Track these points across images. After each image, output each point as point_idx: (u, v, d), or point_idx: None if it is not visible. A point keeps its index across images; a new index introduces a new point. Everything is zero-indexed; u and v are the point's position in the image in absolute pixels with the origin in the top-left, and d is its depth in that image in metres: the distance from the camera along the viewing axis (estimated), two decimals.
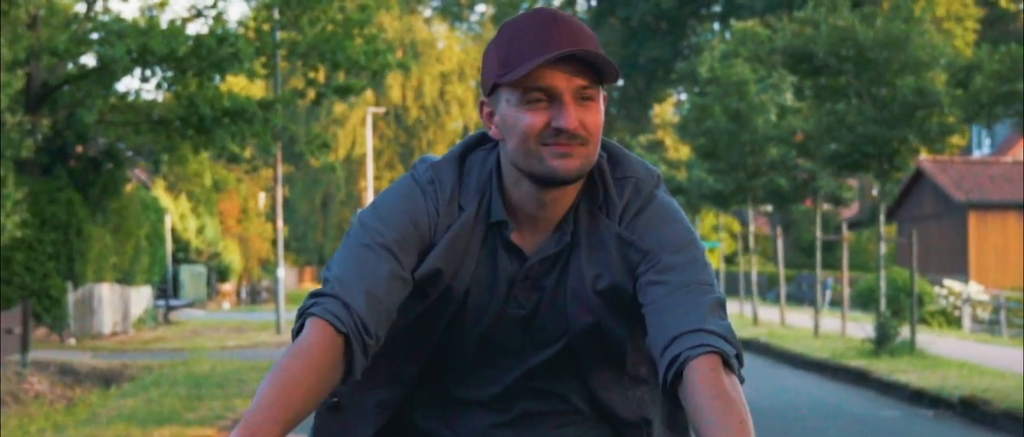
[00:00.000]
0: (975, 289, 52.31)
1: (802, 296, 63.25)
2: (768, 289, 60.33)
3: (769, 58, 35.37)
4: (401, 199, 4.06)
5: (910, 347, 30.52)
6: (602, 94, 3.98)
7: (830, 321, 41.63)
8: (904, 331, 31.35)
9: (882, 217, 32.66)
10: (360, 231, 4.00)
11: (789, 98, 36.74)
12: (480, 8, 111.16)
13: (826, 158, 31.73)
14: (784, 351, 34.78)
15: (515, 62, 3.87)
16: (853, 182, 38.93)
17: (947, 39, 31.27)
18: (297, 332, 3.85)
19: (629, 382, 4.23)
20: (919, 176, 60.16)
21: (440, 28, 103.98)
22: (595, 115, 3.90)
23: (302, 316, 3.86)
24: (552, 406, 4.21)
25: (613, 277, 4.02)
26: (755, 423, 3.49)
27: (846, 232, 40.58)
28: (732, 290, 64.56)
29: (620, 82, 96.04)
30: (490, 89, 3.99)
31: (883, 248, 32.47)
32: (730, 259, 74.90)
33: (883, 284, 33.05)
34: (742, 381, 3.79)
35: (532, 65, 3.80)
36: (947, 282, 51.62)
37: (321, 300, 3.82)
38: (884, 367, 27.81)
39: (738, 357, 3.80)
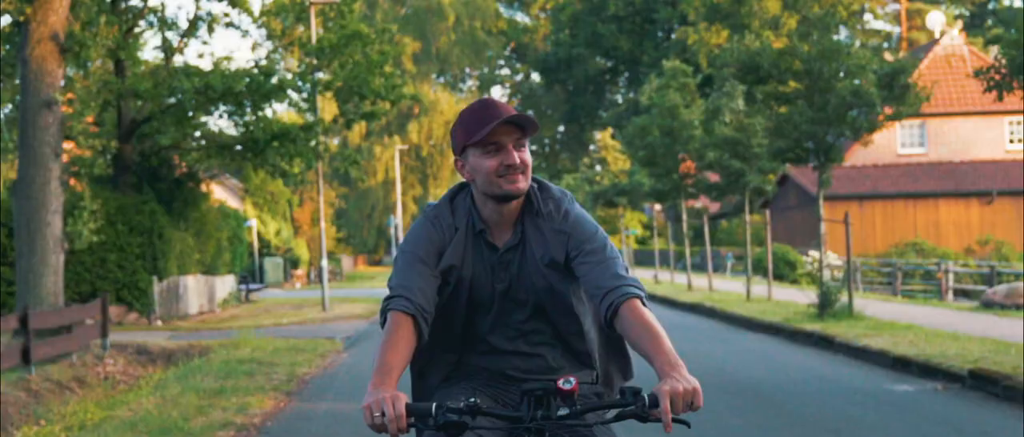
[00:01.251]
0: (831, 257, 48.18)
1: (701, 266, 58.43)
2: (677, 261, 56.43)
3: (720, 71, 30.99)
4: (421, 230, 4.52)
5: (849, 310, 24.53)
6: (527, 142, 4.43)
7: (736, 285, 36.64)
8: (842, 296, 25.41)
9: (821, 202, 27.35)
10: (403, 255, 4.49)
11: (741, 103, 31.70)
12: (469, 82, 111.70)
13: (770, 154, 26.76)
14: (730, 314, 28.51)
15: (475, 130, 4.34)
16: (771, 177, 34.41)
17: (869, 51, 26.07)
18: (383, 322, 4.34)
19: (578, 327, 4.55)
20: (785, 178, 56.89)
21: (443, 93, 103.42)
22: (526, 155, 4.40)
23: (384, 312, 4.36)
24: (539, 341, 4.57)
25: (552, 255, 4.44)
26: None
27: (768, 215, 36.49)
28: (648, 262, 66.97)
29: (561, 127, 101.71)
30: (461, 151, 4.45)
31: (823, 227, 26.93)
32: (642, 241, 76.61)
33: (822, 256, 27.24)
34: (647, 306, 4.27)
35: (487, 130, 4.29)
36: (811, 252, 47.04)
37: (393, 300, 4.35)
38: (838, 330, 21.56)
39: (645, 297, 4.30)
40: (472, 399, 3.87)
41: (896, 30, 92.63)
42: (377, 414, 3.83)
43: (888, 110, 24.97)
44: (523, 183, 4.37)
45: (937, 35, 64.83)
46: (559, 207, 4.50)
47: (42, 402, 16.94)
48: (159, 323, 31.42)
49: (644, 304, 4.25)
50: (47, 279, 23.28)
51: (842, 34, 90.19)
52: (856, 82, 24.89)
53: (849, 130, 24.79)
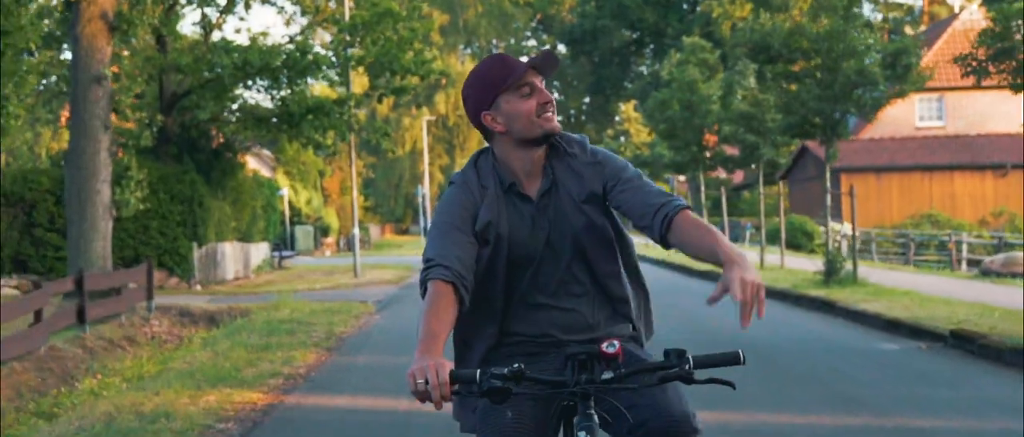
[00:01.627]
0: (847, 228, 49.52)
1: (732, 237, 59.63)
2: None
3: (733, 50, 32.22)
4: (451, 197, 4.55)
5: (853, 278, 25.87)
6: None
7: (752, 254, 37.64)
8: (846, 264, 26.81)
9: (827, 176, 28.50)
10: (436, 224, 4.50)
11: (752, 82, 32.98)
12: (496, 52, 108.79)
13: (782, 128, 28.03)
14: None
15: (507, 76, 4.43)
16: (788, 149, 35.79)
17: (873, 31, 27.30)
18: (423, 292, 4.31)
19: (615, 267, 4.59)
20: (804, 151, 58.18)
21: (470, 64, 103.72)
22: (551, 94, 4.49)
23: (423, 283, 4.34)
24: (578, 293, 4.55)
25: (590, 189, 4.52)
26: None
27: (781, 188, 37.74)
28: None
29: (586, 98, 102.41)
30: (490, 103, 4.48)
31: (829, 200, 28.19)
32: None
33: (827, 227, 28.55)
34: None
35: (524, 69, 4.44)
36: (832, 223, 48.36)
37: (431, 270, 4.33)
38: (841, 296, 22.88)
39: (689, 205, 4.39)
40: (516, 365, 3.90)
41: (919, 3, 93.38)
42: (421, 381, 3.84)
43: (892, 89, 26.20)
44: (556, 120, 4.49)
45: (956, 10, 65.73)
46: (584, 147, 4.61)
47: (97, 358, 18.30)
48: (198, 287, 32.86)
49: (691, 210, 4.38)
50: (96, 244, 24.72)
51: (865, 8, 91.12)
52: (867, 61, 26.07)
53: (854, 108, 26.03)
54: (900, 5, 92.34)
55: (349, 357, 16.72)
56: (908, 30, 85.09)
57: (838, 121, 26.04)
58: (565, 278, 4.53)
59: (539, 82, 4.43)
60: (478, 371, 3.90)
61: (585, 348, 3.98)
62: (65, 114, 34.84)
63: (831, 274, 25.68)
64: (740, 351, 3.90)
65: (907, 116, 62.24)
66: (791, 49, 25.99)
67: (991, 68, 16.71)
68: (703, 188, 46.04)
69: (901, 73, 25.62)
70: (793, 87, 26.63)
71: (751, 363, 13.53)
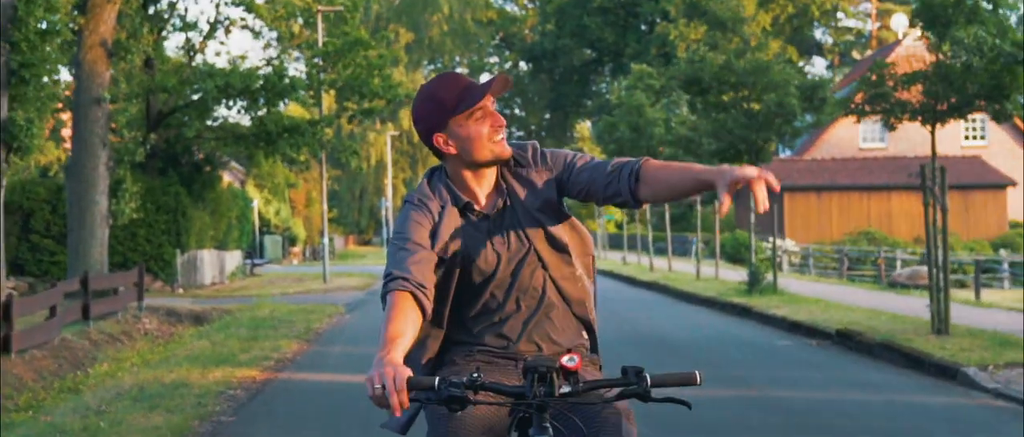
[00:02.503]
0: (790, 244, 53.92)
1: (675, 250, 62.20)
2: (653, 244, 60.22)
3: (668, 83, 35.15)
4: (407, 215, 4.48)
5: (774, 287, 28.85)
6: None
7: (705, 268, 40.35)
8: (768, 276, 29.85)
9: (750, 195, 31.52)
10: (394, 241, 4.44)
11: (685, 112, 35.91)
12: (459, 70, 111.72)
13: (711, 152, 30.93)
14: (679, 290, 32.72)
15: (464, 99, 4.34)
16: None
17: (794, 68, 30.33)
18: (384, 304, 4.24)
19: (571, 270, 4.54)
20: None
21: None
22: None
23: (384, 297, 4.29)
24: (541, 302, 4.49)
25: (541, 196, 4.47)
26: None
27: (716, 205, 40.29)
28: (619, 246, 69.02)
29: (547, 114, 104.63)
30: (443, 125, 4.38)
31: (752, 218, 31.24)
32: (619, 226, 77.24)
33: (752, 242, 31.44)
34: None
35: (482, 91, 4.33)
36: (770, 238, 51.14)
37: (391, 282, 4.27)
38: (760, 303, 25.79)
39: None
40: (474, 374, 3.89)
41: (869, 28, 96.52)
42: (378, 386, 3.80)
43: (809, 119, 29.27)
44: (506, 144, 4.44)
45: (900, 36, 68.63)
46: (534, 153, 4.54)
47: (101, 349, 20.97)
48: (180, 291, 35.58)
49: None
50: (94, 249, 27.49)
51: (817, 32, 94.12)
52: (792, 92, 29.01)
53: (775, 135, 29.00)
54: (850, 29, 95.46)
55: (326, 347, 19.69)
56: (855, 55, 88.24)
57: (761, 147, 28.95)
58: (524, 290, 4.50)
59: (491, 104, 4.36)
60: (437, 379, 3.90)
61: (545, 361, 3.96)
62: (49, 129, 37.58)
63: (754, 284, 28.62)
64: (697, 373, 3.95)
65: (852, 138, 65.19)
66: (720, 82, 28.89)
67: (867, 108, 19.72)
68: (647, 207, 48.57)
69: (817, 105, 28.62)
70: (722, 116, 29.47)
71: (661, 353, 16.62)
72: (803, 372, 15.74)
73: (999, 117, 19.01)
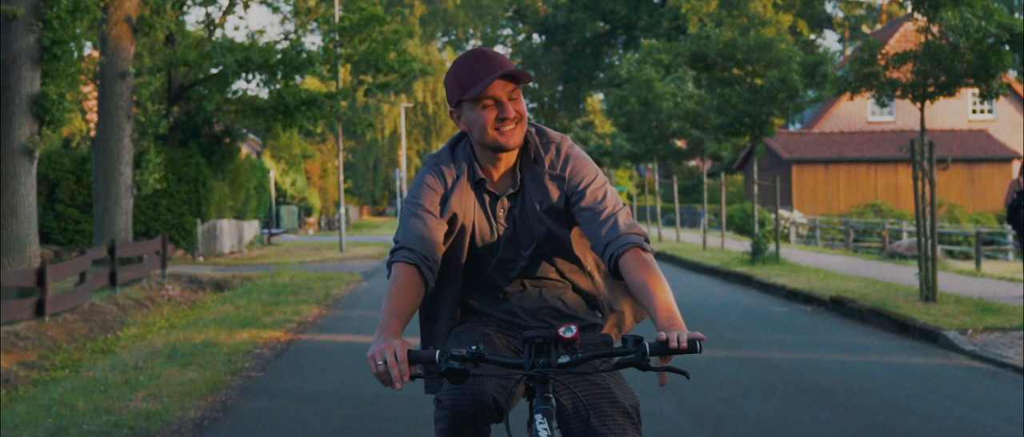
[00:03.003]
0: (797, 216, 54.42)
1: (684, 221, 64.08)
2: (662, 216, 61.17)
3: (675, 59, 36.07)
4: (423, 179, 4.58)
5: (776, 257, 29.83)
6: (521, 92, 4.44)
7: (711, 239, 41.30)
8: (770, 246, 30.83)
9: (755, 167, 32.54)
10: (406, 204, 4.56)
11: (690, 87, 36.90)
12: (472, 41, 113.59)
13: (716, 127, 31.79)
14: (685, 260, 33.59)
15: (470, 84, 4.36)
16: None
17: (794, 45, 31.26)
18: (389, 273, 4.42)
19: (579, 266, 4.67)
20: (759, 141, 60.65)
21: (447, 53, 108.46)
22: (520, 105, 4.42)
23: (390, 265, 4.44)
24: (543, 279, 4.65)
25: (550, 201, 4.50)
26: (690, 317, 3.58)
27: (723, 177, 41.35)
28: (637, 218, 66.39)
29: (560, 87, 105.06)
30: (456, 104, 4.48)
31: (756, 189, 32.24)
32: (631, 196, 76.88)
33: (755, 213, 32.39)
34: (652, 253, 4.34)
35: (483, 85, 4.32)
36: (780, 211, 51.99)
37: (397, 252, 4.42)
38: (761, 272, 26.69)
39: (647, 241, 4.37)
40: (474, 347, 3.89)
41: (880, 1, 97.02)
42: (380, 362, 3.87)
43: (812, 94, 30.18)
44: (517, 135, 4.42)
45: (909, 11, 69.17)
46: (558, 152, 4.54)
47: (128, 313, 21.97)
48: (201, 259, 36.65)
49: (645, 250, 4.31)
50: (119, 219, 28.47)
51: (828, 6, 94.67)
52: (794, 68, 29.89)
53: (778, 110, 29.92)
54: (861, 3, 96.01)
55: (345, 311, 20.73)
56: (865, 29, 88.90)
57: (765, 121, 29.88)
58: (529, 269, 4.61)
59: (506, 93, 4.36)
60: (437, 352, 3.93)
61: (542, 332, 3.99)
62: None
63: (756, 254, 29.58)
64: (697, 341, 3.91)
65: (860, 111, 65.88)
66: (725, 58, 29.79)
67: (861, 87, 20.64)
68: (657, 176, 49.43)
69: (819, 81, 29.51)
70: (726, 91, 30.38)
71: None
72: (795, 336, 16.72)
73: (986, 95, 19.85)
